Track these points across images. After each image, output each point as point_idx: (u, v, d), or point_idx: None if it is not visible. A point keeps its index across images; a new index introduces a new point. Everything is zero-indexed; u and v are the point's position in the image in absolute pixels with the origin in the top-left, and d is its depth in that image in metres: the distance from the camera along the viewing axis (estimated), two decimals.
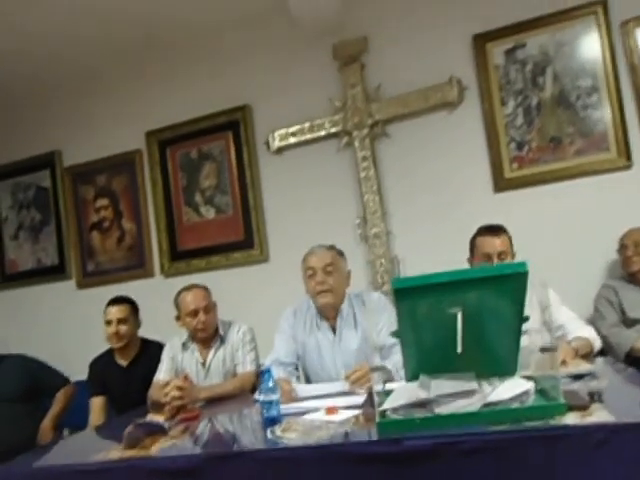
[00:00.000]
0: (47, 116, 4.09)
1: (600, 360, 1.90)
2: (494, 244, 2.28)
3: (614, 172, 2.87)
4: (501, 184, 3.04)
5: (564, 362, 1.77)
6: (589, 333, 2.11)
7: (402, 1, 3.28)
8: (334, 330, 2.27)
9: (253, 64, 3.55)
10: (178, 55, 3.74)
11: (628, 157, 2.85)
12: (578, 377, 1.59)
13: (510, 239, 2.33)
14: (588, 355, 1.98)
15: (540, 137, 3.00)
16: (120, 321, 2.75)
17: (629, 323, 2.50)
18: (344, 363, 2.20)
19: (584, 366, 1.70)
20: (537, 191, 2.99)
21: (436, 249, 3.07)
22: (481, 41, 3.11)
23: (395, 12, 3.28)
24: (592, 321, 2.61)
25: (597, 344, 2.11)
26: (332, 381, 2.18)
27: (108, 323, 2.76)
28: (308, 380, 2.35)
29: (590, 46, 2.94)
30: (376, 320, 2.16)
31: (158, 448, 1.57)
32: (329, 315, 2.28)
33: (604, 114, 2.89)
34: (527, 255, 2.90)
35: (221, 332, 2.53)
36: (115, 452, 1.60)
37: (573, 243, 2.89)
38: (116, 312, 2.77)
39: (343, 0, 3.14)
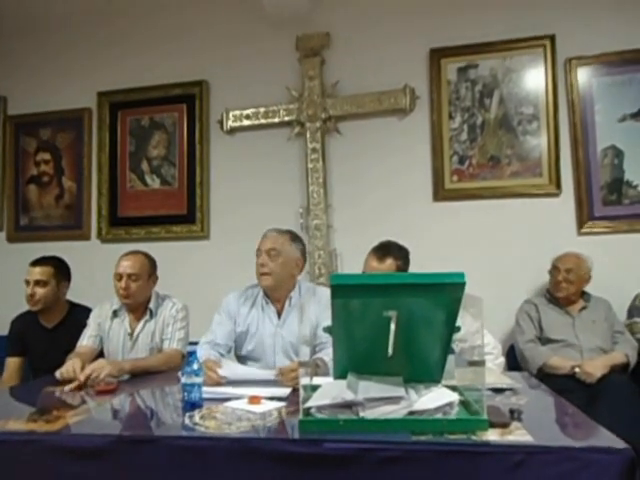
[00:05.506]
0: None
1: (518, 375, 1.85)
2: (373, 267, 2.17)
3: (544, 197, 2.88)
4: (441, 194, 2.99)
5: None
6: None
7: (369, 6, 3.18)
8: (279, 315, 2.10)
9: (216, 42, 3.35)
10: (141, 21, 3.48)
11: (558, 185, 2.86)
12: (499, 391, 1.53)
13: (399, 266, 2.15)
14: None
15: (481, 154, 2.97)
16: (38, 283, 2.44)
17: (544, 341, 2.49)
18: (283, 349, 2.04)
19: (506, 380, 1.64)
20: (473, 205, 2.95)
21: None
22: (437, 56, 3.06)
23: (360, 15, 3.19)
24: (512, 334, 2.61)
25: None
26: (268, 365, 2.01)
27: (26, 283, 2.45)
28: (242, 363, 2.12)
29: (535, 76, 2.95)
30: (324, 314, 2.01)
31: (64, 423, 1.37)
32: (276, 299, 2.10)
33: (541, 142, 2.90)
34: (457, 265, 2.87)
35: (151, 305, 2.28)
36: (17, 423, 1.38)
37: (500, 258, 2.88)
38: (35, 273, 2.45)
39: None
